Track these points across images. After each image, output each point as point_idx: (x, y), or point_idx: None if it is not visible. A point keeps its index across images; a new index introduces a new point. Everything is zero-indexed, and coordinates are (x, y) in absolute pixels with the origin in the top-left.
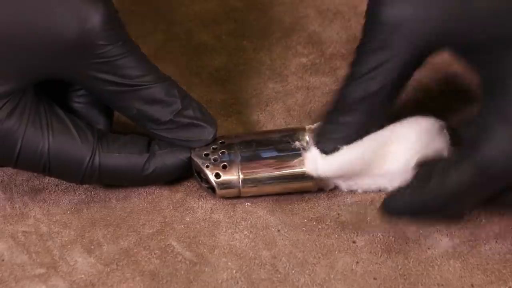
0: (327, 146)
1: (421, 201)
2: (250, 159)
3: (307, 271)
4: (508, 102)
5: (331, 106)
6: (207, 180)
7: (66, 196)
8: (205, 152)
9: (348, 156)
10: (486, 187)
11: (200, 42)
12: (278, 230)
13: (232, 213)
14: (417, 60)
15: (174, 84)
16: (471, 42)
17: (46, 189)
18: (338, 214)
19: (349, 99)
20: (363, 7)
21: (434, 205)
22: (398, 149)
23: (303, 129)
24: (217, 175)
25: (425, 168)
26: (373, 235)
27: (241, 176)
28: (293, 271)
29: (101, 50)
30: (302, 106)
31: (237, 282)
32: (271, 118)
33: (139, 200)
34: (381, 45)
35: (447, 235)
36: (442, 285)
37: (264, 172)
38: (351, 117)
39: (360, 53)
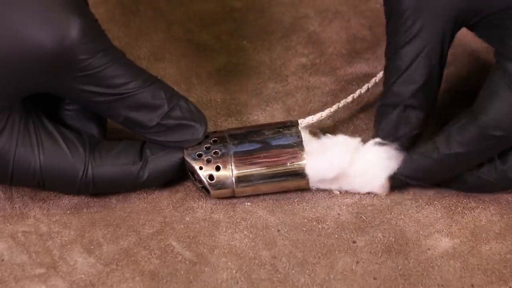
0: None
1: (429, 165)
2: (244, 158)
3: (307, 271)
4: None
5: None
6: (201, 181)
7: (66, 196)
8: (198, 153)
9: (335, 157)
10: (488, 148)
11: (200, 42)
12: (278, 230)
13: (232, 213)
14: (448, 39)
15: (160, 85)
16: (482, 16)
17: None
18: (338, 214)
19: (401, 97)
20: (363, 7)
21: (441, 169)
22: (358, 157)
23: (296, 122)
24: (211, 177)
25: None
26: (373, 235)
27: (235, 177)
28: (293, 271)
29: (82, 64)
30: (302, 106)
31: (237, 282)
32: (271, 118)
33: (139, 200)
34: (413, 32)
35: (447, 235)
36: (442, 285)
37: (258, 172)
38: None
39: (394, 48)
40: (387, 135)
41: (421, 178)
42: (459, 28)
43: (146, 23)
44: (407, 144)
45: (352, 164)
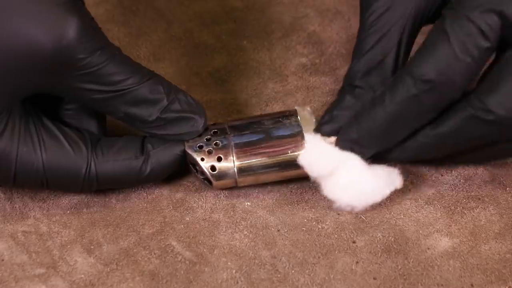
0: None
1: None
2: (244, 148)
3: (307, 271)
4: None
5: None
6: (203, 172)
7: (66, 196)
8: (199, 144)
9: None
10: (423, 102)
11: (200, 42)
12: (278, 230)
13: (232, 213)
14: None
15: (159, 80)
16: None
17: (46, 189)
18: (338, 214)
19: (354, 78)
20: None
21: (382, 126)
22: (350, 167)
23: (295, 112)
24: (213, 168)
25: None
26: (372, 235)
27: (237, 167)
28: (292, 271)
29: (81, 63)
30: (302, 105)
31: (237, 282)
32: None
33: (139, 200)
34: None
35: (447, 234)
36: (442, 285)
37: (259, 161)
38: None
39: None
40: (331, 110)
41: (363, 141)
42: (422, 22)
43: (146, 23)
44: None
45: (335, 174)
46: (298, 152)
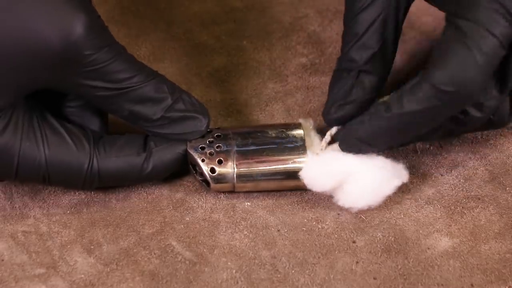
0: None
1: (381, 126)
2: (246, 154)
3: (307, 271)
4: (470, 26)
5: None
6: (202, 173)
7: (66, 196)
8: (201, 145)
9: (332, 166)
10: (440, 108)
11: (200, 42)
12: (278, 230)
13: (232, 213)
14: (404, 6)
15: (163, 79)
16: None
17: (46, 189)
18: (338, 214)
19: (355, 63)
20: None
21: (393, 130)
22: (360, 178)
23: (299, 125)
24: (212, 170)
25: (382, 101)
26: (372, 235)
27: (236, 172)
28: (293, 271)
29: (88, 59)
30: (301, 106)
31: (237, 282)
32: (270, 118)
33: (139, 200)
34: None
35: (447, 234)
36: (442, 285)
37: (259, 168)
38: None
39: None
40: (339, 99)
41: (373, 141)
42: None
43: (146, 23)
44: (359, 109)
45: (346, 181)
46: (299, 165)
